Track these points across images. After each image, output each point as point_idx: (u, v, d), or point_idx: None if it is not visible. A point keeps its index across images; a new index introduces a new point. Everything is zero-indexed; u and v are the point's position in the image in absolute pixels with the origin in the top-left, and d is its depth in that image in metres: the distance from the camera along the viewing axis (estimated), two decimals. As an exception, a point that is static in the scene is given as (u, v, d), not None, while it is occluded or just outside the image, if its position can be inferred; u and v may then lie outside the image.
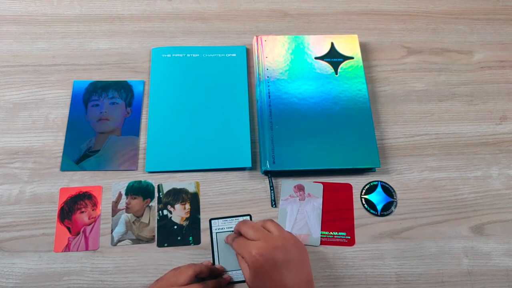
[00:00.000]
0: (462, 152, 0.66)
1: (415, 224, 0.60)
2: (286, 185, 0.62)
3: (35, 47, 0.70)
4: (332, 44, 0.70)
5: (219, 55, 0.70)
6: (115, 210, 0.59)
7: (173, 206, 0.60)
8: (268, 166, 0.59)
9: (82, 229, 0.58)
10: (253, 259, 0.45)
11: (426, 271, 0.57)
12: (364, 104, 0.65)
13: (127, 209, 0.59)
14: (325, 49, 0.70)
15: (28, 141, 0.63)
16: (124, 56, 0.70)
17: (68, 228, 0.58)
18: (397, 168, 0.64)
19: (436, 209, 0.61)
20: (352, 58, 0.69)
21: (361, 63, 0.69)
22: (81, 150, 0.62)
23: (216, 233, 0.57)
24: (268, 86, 0.65)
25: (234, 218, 0.58)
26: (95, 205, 0.59)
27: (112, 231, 0.58)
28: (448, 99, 0.70)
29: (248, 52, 0.71)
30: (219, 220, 0.58)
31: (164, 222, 0.59)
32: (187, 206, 0.60)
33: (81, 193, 0.60)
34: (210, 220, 0.58)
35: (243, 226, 0.50)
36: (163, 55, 0.69)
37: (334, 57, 0.69)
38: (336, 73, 0.67)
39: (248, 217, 0.58)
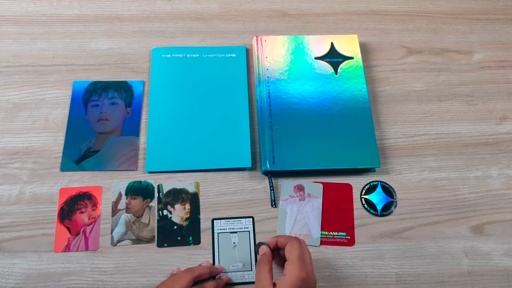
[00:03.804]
0: (462, 152, 0.66)
1: (415, 224, 0.60)
2: (286, 185, 0.62)
3: (34, 47, 0.70)
4: (332, 44, 0.70)
5: (219, 55, 0.70)
6: (115, 210, 0.59)
7: (173, 206, 0.60)
8: (268, 166, 0.59)
9: (82, 229, 0.58)
10: (305, 279, 0.46)
11: (426, 271, 0.57)
12: (364, 104, 0.65)
13: (127, 209, 0.59)
14: (325, 49, 0.70)
15: (28, 141, 0.63)
16: (124, 56, 0.70)
17: (68, 228, 0.58)
18: (397, 168, 0.64)
19: (436, 209, 0.61)
20: (352, 58, 0.69)
21: (361, 63, 0.69)
22: (81, 150, 0.62)
23: (218, 233, 0.57)
24: (268, 86, 0.65)
25: (236, 220, 0.58)
26: (95, 205, 0.59)
27: (112, 231, 0.58)
28: (448, 99, 0.70)
29: (248, 52, 0.71)
30: (222, 220, 0.58)
31: (164, 222, 0.59)
32: (187, 206, 0.60)
33: (81, 193, 0.60)
34: (212, 220, 0.58)
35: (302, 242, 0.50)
36: (163, 55, 0.69)
37: (334, 57, 0.69)
38: (336, 73, 0.67)
39: (250, 219, 0.58)
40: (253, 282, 0.53)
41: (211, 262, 0.56)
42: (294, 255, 0.46)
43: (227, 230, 0.58)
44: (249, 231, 0.58)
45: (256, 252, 0.52)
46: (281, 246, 0.50)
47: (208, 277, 0.52)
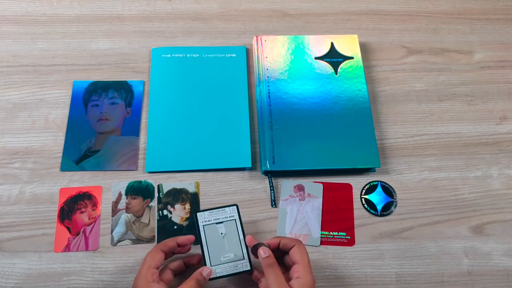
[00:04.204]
0: (462, 152, 0.66)
1: (415, 224, 0.60)
2: (286, 185, 0.62)
3: (35, 47, 0.70)
4: (332, 44, 0.70)
5: (219, 55, 0.70)
6: (115, 210, 0.59)
7: (173, 206, 0.60)
8: (268, 166, 0.59)
9: (82, 229, 0.58)
10: (315, 282, 0.48)
11: (426, 271, 0.57)
12: (364, 104, 0.65)
13: (127, 209, 0.59)
14: (325, 49, 0.70)
15: (28, 141, 0.63)
16: (124, 56, 0.70)
17: (68, 228, 0.58)
18: (397, 168, 0.64)
19: (436, 209, 0.61)
20: (352, 58, 0.69)
21: (361, 63, 0.69)
22: (81, 150, 0.62)
23: (204, 226, 0.55)
24: (268, 86, 0.65)
25: (220, 209, 0.55)
26: (95, 205, 0.59)
27: (112, 231, 0.58)
28: (448, 99, 0.70)
29: (248, 52, 0.71)
30: (205, 212, 0.55)
31: (164, 222, 0.59)
32: (187, 206, 0.60)
33: (81, 193, 0.60)
34: (195, 213, 0.54)
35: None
36: (163, 55, 0.69)
37: (334, 57, 0.69)
38: (336, 73, 0.67)
39: (234, 207, 0.55)
40: (247, 271, 0.52)
41: (201, 256, 0.54)
42: (305, 258, 0.48)
43: (212, 222, 0.55)
44: (234, 219, 0.55)
45: (254, 254, 0.51)
46: (285, 248, 0.50)
47: (175, 247, 0.52)
